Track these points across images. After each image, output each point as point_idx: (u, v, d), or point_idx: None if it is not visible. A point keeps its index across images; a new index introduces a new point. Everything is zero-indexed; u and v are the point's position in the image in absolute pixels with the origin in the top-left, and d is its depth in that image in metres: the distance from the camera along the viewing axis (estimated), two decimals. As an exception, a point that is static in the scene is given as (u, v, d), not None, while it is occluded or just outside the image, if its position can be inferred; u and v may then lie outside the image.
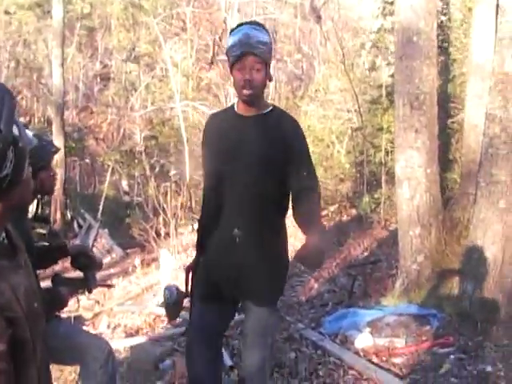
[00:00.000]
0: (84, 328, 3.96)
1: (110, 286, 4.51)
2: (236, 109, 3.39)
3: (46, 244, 4.00)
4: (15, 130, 1.73)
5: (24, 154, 1.76)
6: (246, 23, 3.35)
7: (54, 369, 4.73)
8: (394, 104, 7.07)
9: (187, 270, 3.62)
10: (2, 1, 23.34)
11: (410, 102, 6.50)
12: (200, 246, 3.55)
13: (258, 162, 3.26)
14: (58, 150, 3.48)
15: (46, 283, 3.56)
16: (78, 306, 4.31)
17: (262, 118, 3.32)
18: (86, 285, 3.64)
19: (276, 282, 3.47)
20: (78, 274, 3.63)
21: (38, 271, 4.15)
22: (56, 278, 3.50)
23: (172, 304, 3.67)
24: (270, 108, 3.37)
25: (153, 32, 19.98)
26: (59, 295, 3.31)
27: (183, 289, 3.61)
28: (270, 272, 3.36)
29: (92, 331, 6.75)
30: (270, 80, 3.37)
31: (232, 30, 3.33)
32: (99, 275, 3.90)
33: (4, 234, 1.87)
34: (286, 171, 3.21)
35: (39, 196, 3.62)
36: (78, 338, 3.50)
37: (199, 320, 3.51)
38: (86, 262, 3.62)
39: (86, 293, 3.78)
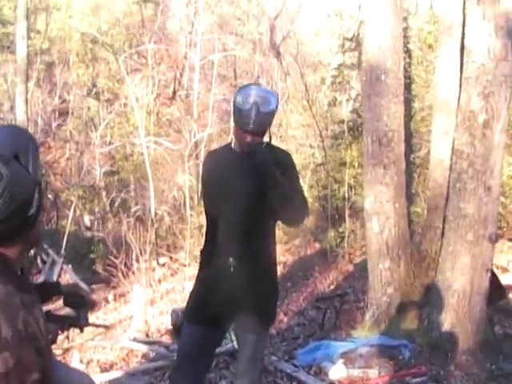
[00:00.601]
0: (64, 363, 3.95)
1: (105, 327, 4.51)
2: (233, 146, 3.55)
3: (39, 282, 4.05)
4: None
5: (41, 195, 1.83)
6: (253, 86, 3.49)
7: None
8: (362, 140, 7.28)
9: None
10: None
11: (379, 139, 6.71)
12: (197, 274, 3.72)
13: (248, 196, 3.41)
14: None
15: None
16: (68, 338, 4.30)
17: (255, 153, 3.44)
18: (78, 323, 3.68)
19: (271, 308, 3.63)
20: (70, 311, 3.67)
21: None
22: (47, 315, 3.54)
23: (180, 325, 3.78)
24: (264, 144, 3.51)
25: (112, 67, 20.08)
26: (50, 333, 3.36)
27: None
28: (265, 299, 3.53)
29: (65, 367, 6.73)
30: None
31: (244, 88, 3.47)
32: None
33: (19, 271, 1.98)
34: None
35: None
36: (64, 374, 3.47)
37: (189, 341, 3.62)
38: (79, 300, 3.66)
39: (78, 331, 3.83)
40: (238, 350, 3.77)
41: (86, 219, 19.46)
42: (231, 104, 3.55)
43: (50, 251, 15.34)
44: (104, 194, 18.99)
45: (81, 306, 3.64)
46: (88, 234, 18.69)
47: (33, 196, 1.75)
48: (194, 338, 3.60)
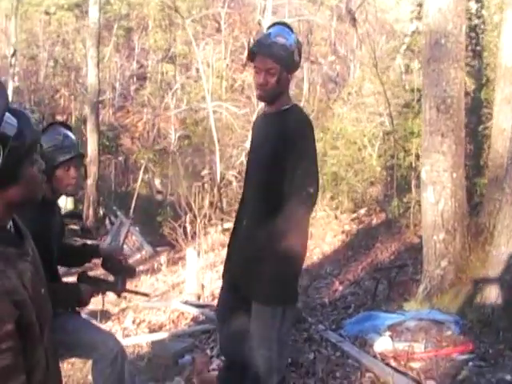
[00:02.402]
0: (98, 325, 3.97)
1: (144, 295, 4.50)
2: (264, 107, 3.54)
3: (80, 242, 4.09)
4: (9, 128, 1.79)
5: (18, 152, 1.81)
6: (277, 24, 3.39)
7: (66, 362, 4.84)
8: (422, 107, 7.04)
9: None
10: (41, 1, 23.70)
11: (437, 106, 6.44)
12: None
13: (263, 157, 3.38)
14: (79, 153, 3.50)
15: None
16: (102, 301, 4.34)
17: (278, 115, 3.38)
18: (114, 288, 3.67)
19: (281, 280, 3.31)
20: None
21: (63, 267, 4.26)
22: (81, 276, 3.56)
23: None
24: (288, 106, 3.39)
25: (188, 33, 20.14)
26: (78, 292, 3.37)
27: None
28: (275, 268, 3.27)
29: (117, 326, 6.88)
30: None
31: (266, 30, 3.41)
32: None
33: (11, 223, 1.96)
34: (284, 166, 3.26)
35: (69, 193, 3.63)
36: (88, 334, 3.48)
37: (219, 300, 3.80)
38: (116, 265, 3.66)
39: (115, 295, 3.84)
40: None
41: (157, 182, 19.81)
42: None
43: (119, 213, 15.73)
44: (176, 158, 19.15)
45: (119, 272, 3.66)
46: (158, 197, 19.05)
47: None
48: (222, 298, 3.72)
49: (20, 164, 1.84)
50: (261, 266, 3.28)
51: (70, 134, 3.46)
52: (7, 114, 1.80)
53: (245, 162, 17.62)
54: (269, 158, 3.31)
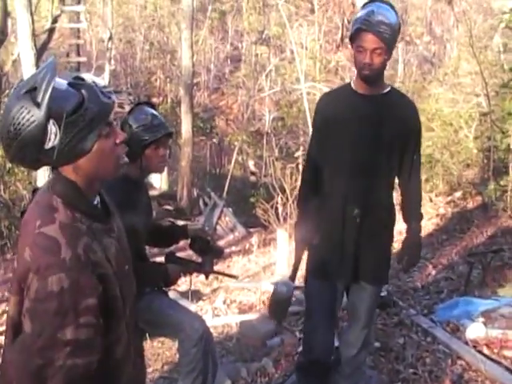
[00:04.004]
0: (184, 306, 4.03)
1: (232, 277, 4.52)
2: (354, 87, 3.36)
3: (168, 223, 4.15)
4: (64, 102, 1.79)
5: (77, 125, 1.80)
6: (376, 0, 3.24)
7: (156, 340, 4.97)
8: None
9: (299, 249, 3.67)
10: (137, -15, 24.25)
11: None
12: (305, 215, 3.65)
13: (375, 140, 3.28)
14: (169, 132, 3.53)
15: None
16: (190, 281, 4.39)
17: (381, 97, 3.31)
18: (202, 269, 3.72)
19: (388, 260, 3.56)
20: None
21: (152, 247, 4.34)
22: (169, 256, 3.63)
23: (283, 301, 3.63)
24: (389, 89, 3.36)
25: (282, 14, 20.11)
26: (165, 272, 3.45)
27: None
28: (385, 251, 3.50)
29: (208, 306, 7.00)
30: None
31: (362, 6, 3.26)
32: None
33: (99, 199, 2.01)
34: (400, 151, 3.29)
35: (156, 172, 3.68)
36: (174, 315, 3.53)
37: (318, 295, 3.55)
38: (204, 246, 3.69)
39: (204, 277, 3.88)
40: (349, 301, 3.67)
41: (251, 164, 19.96)
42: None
43: (213, 194, 15.94)
44: (270, 139, 19.23)
45: (207, 252, 3.70)
46: (252, 178, 19.19)
47: (44, 130, 1.76)
48: (324, 294, 3.53)
49: (82, 137, 1.82)
50: (388, 251, 3.56)
51: (157, 113, 3.51)
52: (64, 87, 1.81)
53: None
54: (393, 144, 3.28)
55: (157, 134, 3.38)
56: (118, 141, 1.94)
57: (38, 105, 1.75)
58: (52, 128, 1.76)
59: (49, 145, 1.78)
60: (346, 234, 3.37)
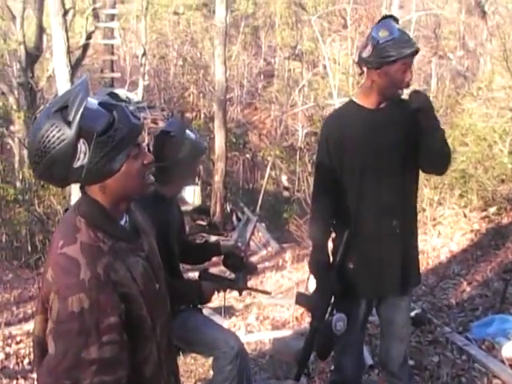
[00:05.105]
0: (219, 323, 4.02)
1: (265, 293, 4.49)
2: (359, 102, 3.26)
3: (202, 240, 4.18)
4: (94, 122, 1.79)
5: (106, 145, 1.80)
6: (388, 17, 3.18)
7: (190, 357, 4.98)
8: None
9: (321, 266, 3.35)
10: (171, 2, 24.52)
11: None
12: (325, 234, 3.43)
13: (396, 146, 3.22)
14: (202, 150, 3.56)
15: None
16: (224, 297, 4.40)
17: (394, 106, 3.25)
18: (235, 286, 3.69)
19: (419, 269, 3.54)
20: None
21: (186, 264, 4.36)
22: (202, 273, 3.64)
23: (335, 338, 3.28)
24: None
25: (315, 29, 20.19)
26: (199, 289, 3.46)
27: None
28: (417, 260, 3.49)
29: (241, 322, 7.00)
30: None
31: (378, 23, 3.17)
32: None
33: (127, 218, 2.01)
34: (415, 135, 3.21)
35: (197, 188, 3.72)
36: (209, 332, 3.54)
37: (354, 317, 3.38)
38: (237, 263, 3.67)
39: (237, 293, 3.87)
40: (385, 316, 3.52)
41: (284, 179, 19.97)
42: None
43: (246, 209, 15.96)
44: (303, 154, 19.24)
45: (240, 269, 3.70)
46: (285, 193, 19.19)
47: (74, 149, 1.77)
48: (358, 313, 3.42)
49: (111, 157, 1.83)
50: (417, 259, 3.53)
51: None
52: (95, 107, 1.81)
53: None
54: (410, 138, 3.23)
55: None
56: (145, 162, 1.93)
57: (69, 123, 1.76)
58: (82, 147, 1.77)
59: (77, 164, 1.79)
60: (389, 248, 3.29)
